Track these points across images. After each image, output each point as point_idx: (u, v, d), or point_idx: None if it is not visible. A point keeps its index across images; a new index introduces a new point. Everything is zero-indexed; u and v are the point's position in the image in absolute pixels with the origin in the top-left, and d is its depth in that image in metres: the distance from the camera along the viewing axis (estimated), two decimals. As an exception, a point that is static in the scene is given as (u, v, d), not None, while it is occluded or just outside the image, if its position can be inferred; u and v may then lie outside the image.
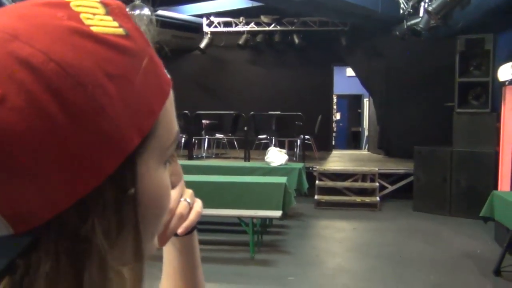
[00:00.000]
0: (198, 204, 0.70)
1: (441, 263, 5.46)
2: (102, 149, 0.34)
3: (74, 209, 0.34)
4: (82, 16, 0.35)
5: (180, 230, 0.67)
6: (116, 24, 0.37)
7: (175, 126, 0.43)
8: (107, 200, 0.35)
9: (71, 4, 0.36)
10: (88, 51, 0.34)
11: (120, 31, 0.36)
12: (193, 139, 10.33)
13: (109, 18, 0.37)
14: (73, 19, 0.35)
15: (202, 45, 11.86)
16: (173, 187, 0.49)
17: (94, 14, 0.36)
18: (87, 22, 0.35)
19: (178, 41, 12.37)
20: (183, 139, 10.68)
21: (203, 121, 10.51)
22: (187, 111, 9.96)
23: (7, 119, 0.31)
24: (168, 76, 0.43)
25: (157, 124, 0.38)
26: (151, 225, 0.42)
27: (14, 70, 0.32)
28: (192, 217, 0.68)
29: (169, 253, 0.75)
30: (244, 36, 11.82)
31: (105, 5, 0.38)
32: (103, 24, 0.36)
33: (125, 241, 0.37)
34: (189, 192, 0.69)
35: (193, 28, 12.24)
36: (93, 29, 0.35)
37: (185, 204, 0.67)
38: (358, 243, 6.53)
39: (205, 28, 11.96)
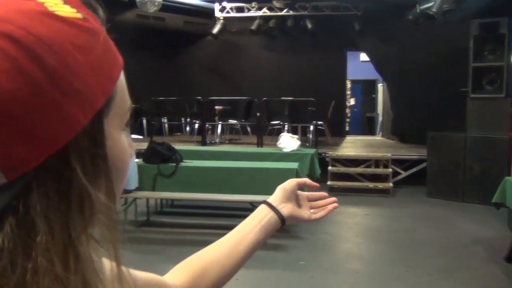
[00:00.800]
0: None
1: (452, 248, 5.47)
2: (76, 104, 0.41)
3: (57, 156, 0.41)
4: (45, 4, 0.43)
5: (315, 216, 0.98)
6: (74, 10, 0.44)
7: (128, 98, 0.51)
8: (83, 149, 0.43)
9: None
10: (57, 28, 0.42)
11: (78, 15, 0.44)
12: (207, 125, 10.38)
13: (67, 6, 0.44)
14: (40, 6, 0.43)
15: (215, 30, 11.85)
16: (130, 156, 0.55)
17: (55, 4, 0.44)
18: (51, 8, 0.43)
19: (190, 26, 12.39)
20: (196, 125, 10.75)
21: (216, 107, 10.54)
22: (200, 97, 10.00)
23: None
24: (119, 55, 0.49)
25: (115, 91, 0.47)
26: (118, 176, 0.50)
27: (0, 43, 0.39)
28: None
29: (257, 226, 0.92)
30: (256, 21, 11.79)
31: None
32: (63, 10, 0.44)
33: (100, 185, 0.45)
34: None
35: (205, 14, 12.23)
36: (57, 13, 0.43)
37: None
38: (370, 228, 6.55)
39: (218, 14, 11.95)
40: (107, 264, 0.51)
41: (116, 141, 0.49)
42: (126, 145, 0.52)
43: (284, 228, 3.89)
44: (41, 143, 0.40)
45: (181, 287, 0.83)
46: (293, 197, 0.97)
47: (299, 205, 0.98)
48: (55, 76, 0.40)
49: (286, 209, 0.95)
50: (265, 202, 0.96)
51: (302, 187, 1.00)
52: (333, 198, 1.02)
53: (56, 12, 0.43)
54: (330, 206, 1.00)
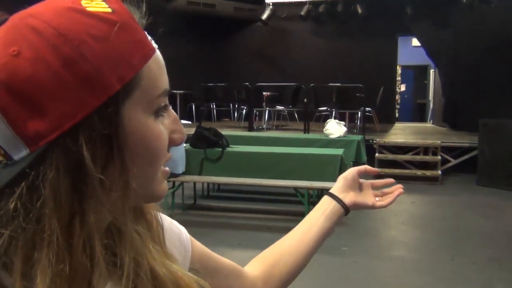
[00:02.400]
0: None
1: (501, 238, 5.35)
2: (88, 87, 0.47)
3: (69, 134, 0.47)
4: (82, 2, 0.51)
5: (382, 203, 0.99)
6: (106, 5, 0.51)
7: (162, 84, 0.55)
8: (94, 129, 0.48)
9: None
10: (78, 21, 0.49)
11: (108, 9, 0.51)
12: (254, 111, 10.46)
13: (103, 2, 0.51)
14: (74, 3, 0.50)
15: (264, 16, 11.88)
16: (177, 143, 0.59)
17: (92, 1, 0.51)
18: (84, 4, 0.50)
19: (240, 13, 12.46)
20: (244, 111, 10.86)
21: (264, 93, 10.60)
22: (248, 83, 10.08)
23: (22, 67, 0.46)
24: (154, 45, 0.54)
25: (139, 77, 0.51)
26: (145, 167, 0.54)
27: (26, 34, 0.47)
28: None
29: (322, 217, 0.97)
30: (306, 7, 11.73)
31: None
32: (95, 5, 0.51)
33: (113, 172, 0.50)
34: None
35: (255, 0, 12.26)
36: (87, 8, 0.50)
37: None
38: (415, 216, 6.49)
39: (267, 0, 11.95)
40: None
41: (141, 125, 0.52)
42: (157, 130, 0.54)
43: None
44: (55, 120, 0.47)
45: (257, 277, 0.89)
46: (355, 185, 1.00)
47: (362, 193, 1.01)
48: (69, 62, 0.47)
49: (348, 197, 0.98)
50: (327, 193, 1.00)
51: (365, 173, 1.03)
52: (399, 185, 1.03)
53: (87, 8, 0.50)
54: (396, 192, 1.01)
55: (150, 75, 0.53)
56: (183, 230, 0.77)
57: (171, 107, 0.59)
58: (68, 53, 0.47)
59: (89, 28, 0.49)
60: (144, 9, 0.57)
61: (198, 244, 0.79)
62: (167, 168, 0.58)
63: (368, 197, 1.00)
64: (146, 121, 0.53)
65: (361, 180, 1.01)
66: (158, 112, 0.54)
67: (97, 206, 0.49)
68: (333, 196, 0.99)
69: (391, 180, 1.05)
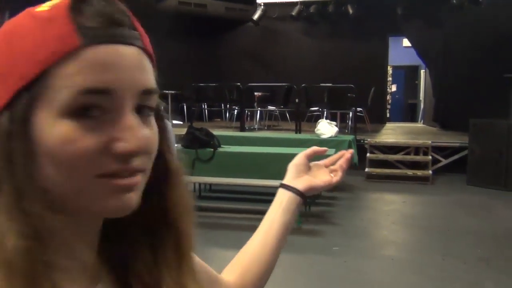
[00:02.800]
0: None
1: (491, 237, 5.39)
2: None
3: None
4: (39, 6, 0.51)
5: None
6: (50, 4, 0.50)
7: (84, 82, 0.48)
8: (2, 127, 0.48)
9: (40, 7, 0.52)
10: (16, 20, 0.51)
11: (45, 8, 0.50)
12: (246, 111, 10.47)
13: (51, 3, 0.51)
14: (35, 7, 0.51)
15: (255, 16, 11.89)
16: (118, 154, 0.50)
17: (43, 6, 0.51)
18: (36, 8, 0.51)
19: (231, 13, 12.45)
20: (235, 111, 10.86)
21: (256, 93, 10.60)
22: (239, 83, 10.08)
23: None
24: (78, 41, 0.49)
25: (49, 75, 0.48)
26: (63, 175, 0.49)
27: None
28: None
29: (279, 211, 0.94)
30: (297, 7, 11.76)
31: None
32: (44, 6, 0.51)
33: (15, 172, 0.48)
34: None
35: (246, 0, 12.26)
36: (36, 9, 0.51)
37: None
38: (406, 215, 6.52)
39: (259, 0, 11.96)
40: None
41: (49, 126, 0.48)
42: (66, 134, 0.48)
43: (319, 214, 3.95)
44: None
45: (234, 284, 0.87)
46: (306, 169, 0.97)
47: (316, 174, 0.97)
48: None
49: (301, 182, 0.94)
50: (280, 184, 0.97)
51: (314, 155, 0.99)
52: (349, 150, 0.99)
53: (35, 9, 0.51)
54: (345, 157, 0.98)
55: (66, 73, 0.48)
56: None
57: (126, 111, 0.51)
58: None
59: (16, 26, 0.50)
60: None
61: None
62: (122, 180, 0.51)
63: (323, 177, 0.96)
64: (56, 123, 0.48)
65: (313, 163, 0.98)
66: (74, 114, 0.48)
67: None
68: (286, 186, 0.95)
69: (343, 151, 1.00)
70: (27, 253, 0.46)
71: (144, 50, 0.54)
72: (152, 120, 0.55)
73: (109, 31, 0.50)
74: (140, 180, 0.53)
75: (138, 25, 0.55)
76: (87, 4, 0.50)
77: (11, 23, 0.51)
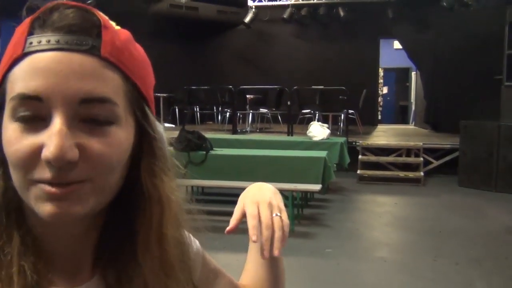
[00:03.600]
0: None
1: (483, 238, 5.42)
2: None
3: None
4: None
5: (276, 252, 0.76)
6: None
7: (20, 87, 0.51)
8: None
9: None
10: None
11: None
12: (238, 114, 10.46)
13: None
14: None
15: (247, 19, 11.90)
16: (46, 160, 0.50)
17: None
18: None
19: (223, 16, 12.45)
20: (227, 114, 10.85)
21: (247, 96, 10.59)
22: (231, 86, 10.08)
23: None
24: (21, 49, 0.52)
25: (7, 80, 0.53)
26: (12, 173, 0.53)
27: None
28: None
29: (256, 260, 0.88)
30: (288, 10, 11.78)
31: None
32: None
33: None
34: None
35: (238, 3, 12.28)
36: None
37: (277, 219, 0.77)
38: (398, 217, 6.54)
39: (250, 2, 12.00)
40: None
41: (3, 128, 0.53)
42: (10, 136, 0.52)
43: (311, 217, 3.93)
44: None
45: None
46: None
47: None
48: None
49: None
50: None
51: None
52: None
53: None
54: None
55: (12, 79, 0.52)
56: (194, 243, 0.78)
57: (57, 117, 0.51)
58: None
59: None
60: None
61: (210, 261, 0.80)
62: (48, 188, 0.51)
63: None
64: (6, 124, 0.52)
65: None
66: (18, 118, 0.51)
67: None
68: None
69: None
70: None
71: (104, 59, 0.53)
72: (110, 132, 0.53)
73: (56, 39, 0.51)
74: (79, 190, 0.52)
75: (108, 34, 0.54)
76: (51, 14, 0.52)
77: None
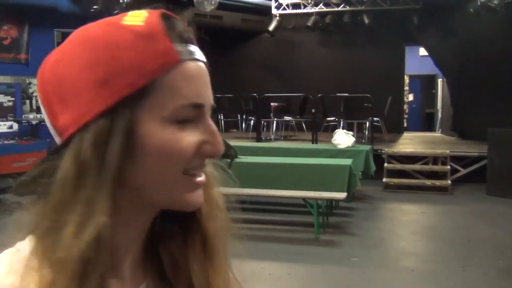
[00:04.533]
0: None
1: (512, 248, 5.30)
2: (98, 89, 0.53)
3: (84, 128, 0.53)
4: (122, 19, 0.57)
5: None
6: (141, 19, 0.56)
7: (188, 96, 0.56)
8: (105, 127, 0.53)
9: (122, 18, 0.57)
10: (109, 32, 0.55)
11: (139, 23, 0.55)
12: (262, 122, 10.47)
13: (139, 17, 0.56)
14: (116, 20, 0.57)
15: (271, 27, 11.91)
16: (208, 154, 0.59)
17: (131, 18, 0.56)
18: (122, 21, 0.56)
19: (247, 24, 12.51)
20: (251, 122, 10.87)
21: (272, 104, 10.60)
22: (255, 94, 10.10)
23: (62, 69, 0.55)
24: (178, 57, 0.56)
25: (154, 86, 0.54)
26: (160, 170, 0.56)
27: (73, 44, 0.57)
28: None
29: None
30: (312, 18, 11.75)
31: (143, 16, 0.57)
32: (131, 19, 0.56)
33: (105, 170, 0.53)
34: None
35: (262, 11, 12.32)
36: (122, 23, 0.56)
37: None
38: (425, 226, 6.44)
39: (274, 11, 12.00)
40: None
41: (153, 130, 0.54)
42: (171, 137, 0.55)
43: (336, 225, 3.91)
44: (75, 116, 0.54)
45: None
46: None
47: None
48: (90, 65, 0.53)
49: None
50: None
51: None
52: None
53: (122, 22, 0.56)
54: None
55: (170, 85, 0.55)
56: None
57: (211, 120, 0.60)
58: (90, 58, 0.53)
59: (114, 38, 0.54)
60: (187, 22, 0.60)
61: None
62: (199, 178, 0.59)
63: None
64: (161, 127, 0.55)
65: None
66: (183, 122, 0.56)
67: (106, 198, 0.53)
68: None
69: None
70: (96, 246, 0.52)
71: (206, 64, 0.61)
72: None
73: (194, 50, 0.59)
74: None
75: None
76: (172, 22, 0.57)
77: (98, 34, 0.55)
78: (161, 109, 0.55)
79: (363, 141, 9.42)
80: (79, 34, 0.56)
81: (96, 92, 0.53)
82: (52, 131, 0.57)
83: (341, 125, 9.75)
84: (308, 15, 11.79)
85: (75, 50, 0.55)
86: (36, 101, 9.08)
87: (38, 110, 9.35)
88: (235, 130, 12.35)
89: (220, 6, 10.54)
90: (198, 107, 0.57)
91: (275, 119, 10.69)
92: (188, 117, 0.56)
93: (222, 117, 11.88)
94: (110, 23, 0.56)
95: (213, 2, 9.89)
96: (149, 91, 0.54)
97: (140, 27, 0.55)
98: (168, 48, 0.55)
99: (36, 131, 9.04)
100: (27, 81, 9.46)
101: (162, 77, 0.54)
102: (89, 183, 0.52)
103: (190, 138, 0.57)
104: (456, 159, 8.62)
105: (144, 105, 0.54)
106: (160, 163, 0.55)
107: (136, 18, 0.56)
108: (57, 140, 0.56)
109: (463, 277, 4.52)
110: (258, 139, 9.82)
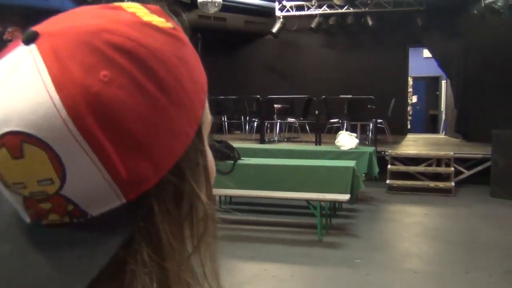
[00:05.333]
0: None
1: (517, 250, 5.28)
2: (184, 116, 0.41)
3: (172, 172, 0.41)
4: (137, 14, 0.43)
5: None
6: (163, 20, 0.44)
7: (209, 115, 0.49)
8: (192, 160, 0.43)
9: (123, 7, 0.43)
10: (161, 40, 0.41)
11: (169, 25, 0.44)
12: (265, 124, 10.47)
13: (155, 15, 0.43)
14: (135, 17, 0.42)
15: (275, 29, 11.94)
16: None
17: (145, 13, 0.43)
18: (144, 18, 0.42)
19: (251, 26, 12.54)
20: (255, 123, 10.87)
21: (275, 105, 10.61)
22: (259, 96, 10.10)
23: (118, 96, 0.38)
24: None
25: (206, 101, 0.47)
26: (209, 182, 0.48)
27: (110, 53, 0.38)
28: None
29: None
30: (316, 19, 11.76)
31: (146, 7, 0.44)
32: (156, 19, 0.43)
33: (205, 189, 0.46)
34: None
35: (265, 13, 12.34)
36: (153, 23, 0.42)
37: None
38: (429, 228, 6.42)
39: (278, 13, 12.03)
40: None
41: (208, 154, 0.48)
42: (212, 159, 0.50)
43: (339, 227, 3.91)
44: (160, 159, 0.40)
45: None
46: None
47: None
48: (167, 89, 0.40)
49: None
50: None
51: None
52: None
53: (153, 22, 0.42)
54: None
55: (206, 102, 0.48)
56: None
57: None
58: (164, 77, 0.40)
59: (173, 49, 0.42)
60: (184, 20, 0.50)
61: None
62: None
63: None
64: (207, 147, 0.48)
65: None
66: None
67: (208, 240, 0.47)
68: None
69: None
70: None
71: None
72: None
73: None
74: None
75: None
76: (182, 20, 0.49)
77: (153, 39, 0.41)
78: (208, 125, 0.48)
79: (367, 143, 9.41)
80: (110, 38, 0.39)
81: (182, 121, 0.42)
82: (93, 193, 0.39)
83: (345, 126, 9.74)
84: (312, 17, 11.81)
85: (125, 65, 0.39)
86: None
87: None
88: (238, 132, 12.37)
89: (224, 8, 10.55)
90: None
91: (279, 121, 10.69)
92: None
93: (225, 119, 11.90)
94: (142, 24, 0.42)
95: (216, 4, 9.90)
96: (205, 107, 0.46)
97: (173, 30, 0.44)
98: (200, 65, 0.47)
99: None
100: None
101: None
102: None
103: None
104: (460, 161, 8.60)
105: (203, 124, 0.46)
106: (208, 184, 0.48)
107: (151, 15, 0.43)
108: (105, 205, 0.40)
109: (467, 279, 4.51)
110: (262, 141, 9.82)
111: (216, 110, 10.95)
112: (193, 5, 10.30)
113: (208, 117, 0.48)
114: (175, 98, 0.40)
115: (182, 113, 0.41)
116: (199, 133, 0.44)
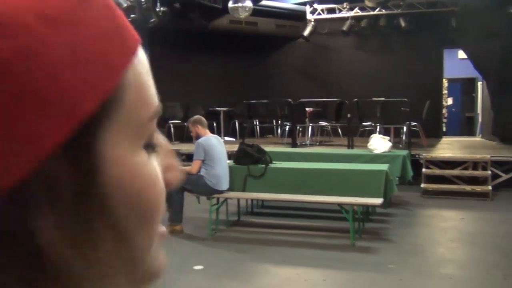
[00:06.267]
0: None
1: (557, 256, 5.12)
2: (37, 112, 0.26)
3: (12, 199, 0.26)
4: None
5: None
6: None
7: (154, 97, 0.34)
8: (59, 186, 0.27)
9: None
10: None
11: None
12: (297, 127, 10.46)
13: None
14: None
15: (306, 33, 11.91)
16: (172, 187, 0.36)
17: None
18: None
19: (282, 30, 12.56)
20: (287, 127, 10.87)
21: (307, 109, 10.58)
22: (290, 99, 10.10)
23: None
24: (136, 34, 0.32)
25: (123, 87, 0.30)
26: (136, 231, 0.32)
27: None
28: None
29: None
30: (348, 22, 11.69)
31: None
32: None
33: (106, 252, 0.30)
34: None
35: (296, 16, 12.35)
36: None
37: None
38: (465, 233, 6.29)
39: (309, 16, 12.00)
40: None
41: (129, 166, 0.31)
42: (152, 173, 0.33)
43: (373, 231, 3.90)
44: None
45: None
46: None
47: None
48: (4, 71, 0.25)
49: None
50: None
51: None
52: None
53: None
54: None
55: (138, 83, 0.32)
56: None
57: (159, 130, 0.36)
58: (3, 55, 0.25)
59: (39, 4, 0.27)
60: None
61: None
62: (163, 228, 0.36)
63: None
64: (136, 158, 0.31)
65: None
66: (150, 144, 0.34)
67: None
68: None
69: None
70: None
71: None
72: None
73: None
74: None
75: None
76: None
77: None
78: (131, 129, 0.31)
79: (400, 146, 9.28)
80: None
81: (30, 121, 0.26)
82: None
83: (378, 130, 9.64)
84: (343, 19, 11.74)
85: None
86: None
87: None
88: (270, 136, 12.38)
89: (255, 12, 10.60)
90: (157, 115, 0.34)
91: (311, 124, 10.65)
92: (152, 134, 0.34)
93: (257, 122, 11.94)
94: None
95: (247, 9, 9.95)
96: (114, 99, 0.30)
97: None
98: (124, 19, 0.32)
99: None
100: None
101: (127, 71, 0.30)
102: None
103: (158, 169, 0.34)
104: (497, 164, 8.39)
105: (109, 125, 0.29)
106: (139, 219, 0.32)
107: None
108: None
109: (505, 285, 4.40)
110: (294, 145, 9.80)
111: (248, 114, 11.00)
112: (224, 10, 10.39)
113: (137, 112, 0.31)
114: (17, 85, 0.25)
115: (32, 104, 0.26)
116: (84, 136, 0.28)
